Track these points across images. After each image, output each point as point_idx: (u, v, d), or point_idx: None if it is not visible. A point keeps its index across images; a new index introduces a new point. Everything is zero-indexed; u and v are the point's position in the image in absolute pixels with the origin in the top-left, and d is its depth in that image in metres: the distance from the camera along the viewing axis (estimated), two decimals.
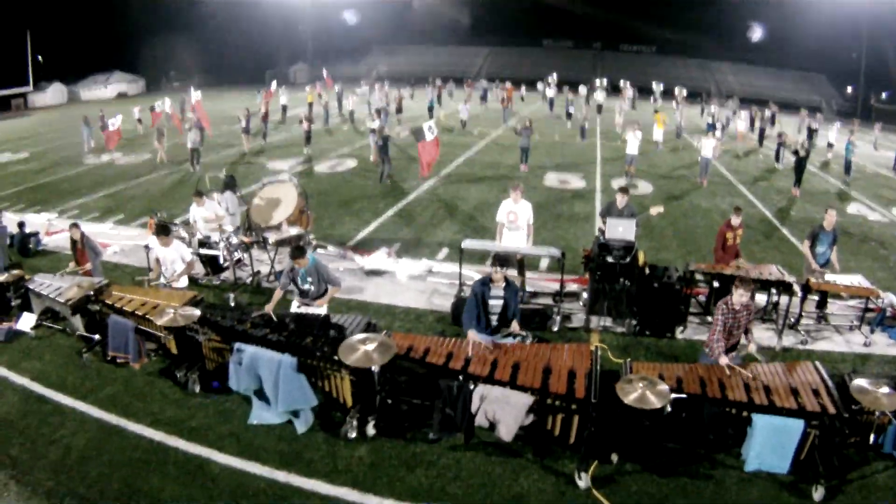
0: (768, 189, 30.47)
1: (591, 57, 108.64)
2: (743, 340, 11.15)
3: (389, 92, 57.87)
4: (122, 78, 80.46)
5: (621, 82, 66.34)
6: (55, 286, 13.10)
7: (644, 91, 70.00)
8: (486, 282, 11.28)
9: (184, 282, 13.99)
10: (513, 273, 15.18)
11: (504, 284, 11.23)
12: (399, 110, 49.85)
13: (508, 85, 59.07)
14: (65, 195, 26.23)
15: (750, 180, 32.19)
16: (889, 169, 39.41)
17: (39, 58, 68.20)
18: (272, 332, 10.75)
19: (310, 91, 52.66)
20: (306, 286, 12.13)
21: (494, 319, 11.36)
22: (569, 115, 46.81)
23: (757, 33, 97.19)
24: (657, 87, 63.34)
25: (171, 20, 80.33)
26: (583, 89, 69.16)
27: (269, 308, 11.81)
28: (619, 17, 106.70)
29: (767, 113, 48.97)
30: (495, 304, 11.27)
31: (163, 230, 13.82)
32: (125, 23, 75.71)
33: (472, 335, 10.72)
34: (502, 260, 11.23)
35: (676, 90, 60.84)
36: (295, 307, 12.30)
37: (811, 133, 45.15)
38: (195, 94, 40.54)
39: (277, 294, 12.29)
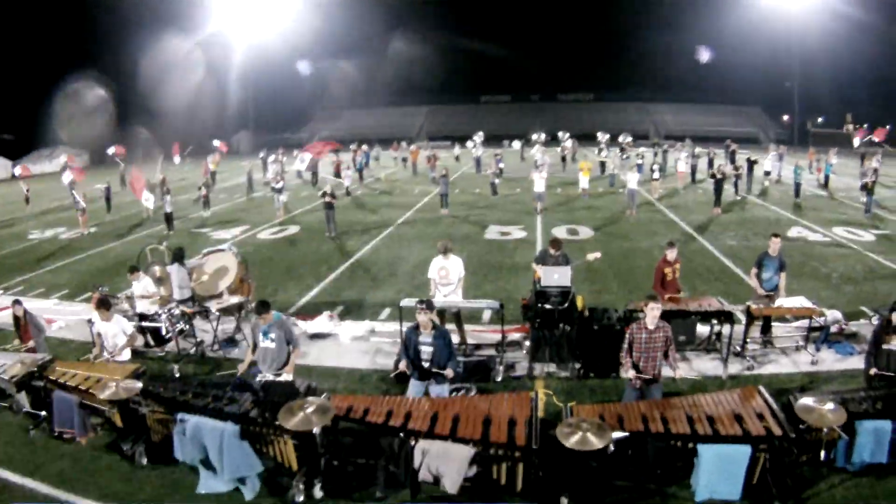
0: (709, 223, 30.97)
1: (530, 109, 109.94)
2: (667, 371, 11.39)
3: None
4: (67, 151, 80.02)
5: (559, 133, 66.79)
6: None
7: (585, 138, 70.84)
8: (415, 328, 11.39)
9: (126, 355, 13.88)
10: (452, 328, 15.33)
11: (433, 330, 11.29)
12: (337, 175, 50.06)
13: (413, 147, 62.81)
14: (9, 271, 26.01)
15: (690, 217, 32.74)
16: (816, 188, 41.00)
17: None
18: (214, 400, 10.73)
19: (210, 159, 53.68)
20: (268, 343, 11.96)
21: (426, 366, 11.39)
22: (500, 172, 46.82)
23: (704, 56, 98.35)
24: (602, 136, 63.69)
25: (115, 94, 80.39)
26: (516, 144, 70.02)
27: (241, 368, 12.06)
28: (555, 69, 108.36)
29: (702, 150, 51.53)
30: (425, 350, 11.31)
31: (103, 304, 13.77)
32: (70, 98, 75.52)
33: (403, 365, 11.22)
34: (426, 302, 11.37)
35: (621, 137, 61.60)
36: (260, 377, 12.09)
37: (733, 157, 48.07)
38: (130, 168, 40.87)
39: (249, 355, 12.35)
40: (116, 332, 13.77)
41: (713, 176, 34.86)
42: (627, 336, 11.28)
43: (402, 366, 11.26)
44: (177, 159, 57.84)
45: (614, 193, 41.49)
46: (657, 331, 10.97)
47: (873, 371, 11.48)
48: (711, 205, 34.18)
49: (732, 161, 45.54)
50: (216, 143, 61.15)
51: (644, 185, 39.04)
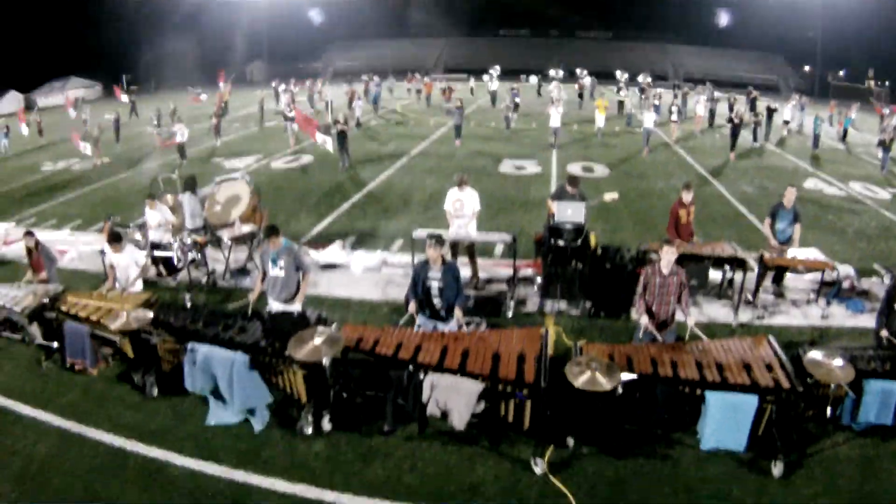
0: (724, 168, 30.79)
1: (548, 45, 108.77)
2: (680, 316, 11.27)
3: (323, 89, 57.55)
4: (79, 83, 79.75)
5: (577, 70, 66.07)
6: (11, 295, 12.95)
7: (603, 76, 70.00)
8: (425, 263, 11.31)
9: (139, 286, 13.89)
10: (465, 260, 15.31)
11: (442, 265, 11.20)
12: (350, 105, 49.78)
13: (427, 80, 61.61)
14: (21, 203, 26.04)
15: (706, 160, 32.57)
16: (835, 140, 40.52)
17: None
18: (224, 329, 10.72)
19: (223, 88, 52.99)
20: (276, 271, 11.84)
21: (437, 303, 11.32)
22: (516, 106, 46.35)
23: (723, 19, 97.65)
24: (621, 75, 62.94)
25: (124, 23, 79.80)
26: (533, 79, 69.33)
27: (251, 297, 11.89)
28: (575, 5, 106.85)
29: (717, 93, 50.64)
30: (434, 285, 11.21)
31: (114, 238, 13.71)
32: (80, 28, 75.02)
33: (412, 308, 11.04)
34: (436, 237, 11.21)
35: (640, 77, 60.93)
36: (270, 306, 12.15)
37: (753, 104, 46.81)
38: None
39: (259, 285, 12.23)
40: (129, 263, 13.75)
41: (730, 121, 34.60)
42: (642, 279, 11.19)
43: (411, 308, 11.16)
44: (222, 86, 57.57)
45: (631, 133, 41.18)
46: (672, 275, 10.88)
47: (884, 333, 11.37)
48: (728, 149, 33.96)
49: (753, 108, 44.97)
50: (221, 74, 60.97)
51: (661, 126, 38.80)
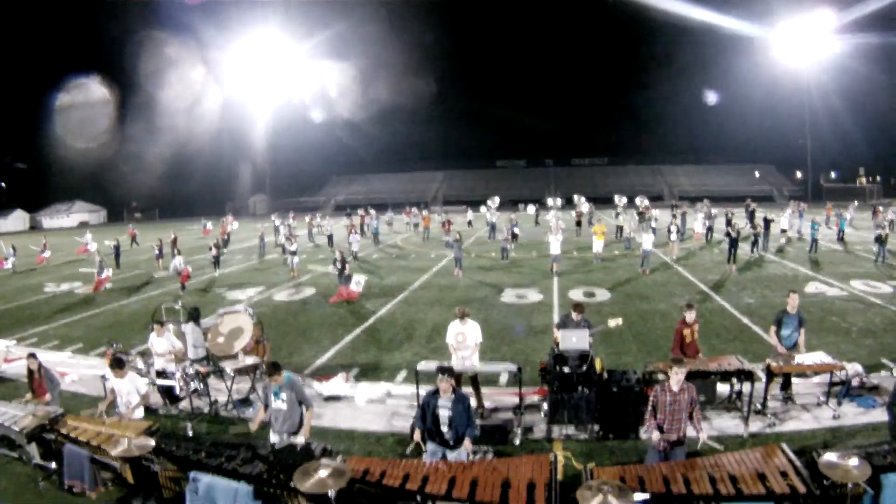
0: (725, 282, 30.92)
1: (544, 174, 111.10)
2: (691, 432, 11.17)
3: (323, 223, 58.21)
4: (84, 207, 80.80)
5: (574, 197, 66.78)
6: (10, 414, 12.88)
7: (600, 201, 70.85)
8: (434, 392, 11.28)
9: (140, 413, 13.79)
10: (469, 391, 15.23)
11: (452, 395, 11.16)
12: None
13: (425, 213, 62.20)
14: (24, 323, 26.12)
15: (706, 276, 32.64)
16: (834, 242, 41.36)
17: (2, 184, 68.44)
18: (227, 460, 10.58)
19: (224, 222, 54.98)
20: (279, 404, 11.86)
21: (446, 431, 11.24)
22: (514, 237, 46.89)
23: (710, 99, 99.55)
24: (619, 199, 63.68)
25: (133, 152, 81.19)
26: (531, 208, 70.09)
27: (253, 426, 12.00)
28: (570, 133, 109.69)
29: (714, 210, 51.70)
30: (444, 414, 11.17)
31: (117, 363, 13.71)
32: (88, 154, 76.26)
33: (417, 436, 11.03)
34: (444, 370, 11.20)
35: (637, 200, 61.50)
36: (273, 439, 12.09)
37: (752, 216, 47.48)
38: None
39: (261, 413, 12.23)
40: (130, 389, 13.73)
41: (728, 234, 35.08)
42: (651, 398, 11.16)
43: (416, 437, 11.10)
44: (224, 219, 58.37)
45: (628, 257, 41.44)
46: (682, 392, 10.86)
47: None
48: (723, 263, 34.24)
49: (752, 220, 45.46)
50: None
51: (660, 247, 39.06)
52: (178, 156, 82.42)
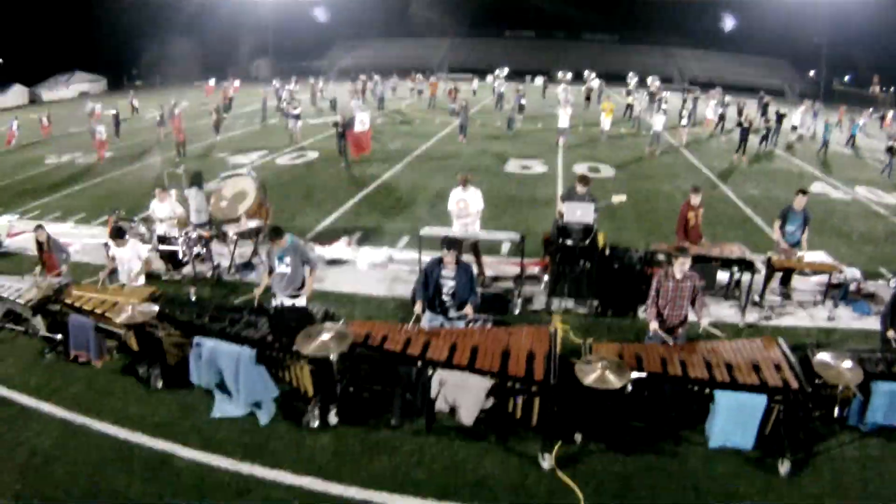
0: (731, 172, 30.79)
1: (553, 47, 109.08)
2: (692, 317, 11.24)
3: (325, 87, 57.57)
4: (83, 77, 79.82)
5: (585, 73, 65.69)
6: (15, 288, 12.93)
7: (610, 78, 69.65)
8: (438, 262, 11.31)
9: (142, 280, 13.85)
10: (470, 258, 15.30)
11: (455, 266, 11.21)
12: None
13: (433, 79, 61.32)
14: (25, 196, 25.98)
15: (713, 163, 32.55)
16: (843, 146, 40.68)
17: None
18: (230, 324, 10.71)
19: (227, 86, 54.40)
20: (283, 268, 11.97)
21: (448, 301, 11.35)
22: (521, 108, 45.97)
23: (728, 23, 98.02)
24: (631, 77, 62.72)
25: (130, 18, 79.87)
26: (539, 80, 69.21)
27: (257, 292, 12.01)
28: (581, 7, 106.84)
29: (727, 98, 50.46)
30: (448, 283, 11.25)
31: (117, 233, 13.67)
32: (86, 22, 75.10)
33: (418, 307, 11.04)
34: (451, 243, 11.22)
35: (649, 80, 60.63)
36: (274, 302, 12.20)
37: (765, 108, 46.62)
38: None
39: (265, 279, 12.30)
40: (131, 257, 13.74)
41: (740, 124, 34.76)
42: (654, 284, 11.16)
43: (418, 308, 11.14)
44: (226, 83, 57.68)
45: (637, 136, 41.14)
46: (685, 280, 10.87)
47: (891, 334, 11.39)
48: (731, 152, 34.04)
49: (764, 113, 44.64)
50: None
51: (670, 130, 38.75)
52: (176, 21, 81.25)
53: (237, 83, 58.37)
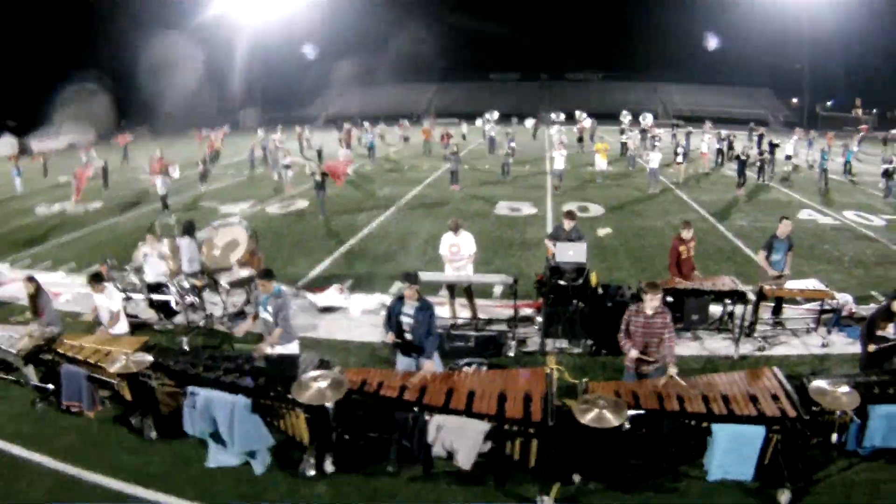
0: (721, 204, 30.95)
1: (538, 88, 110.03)
2: (662, 357, 11.07)
3: (311, 136, 57.47)
4: (73, 128, 79.94)
5: (577, 113, 65.77)
6: (6, 336, 12.84)
7: (596, 117, 69.77)
8: (400, 298, 11.32)
9: (123, 327, 13.80)
10: (464, 301, 15.42)
11: (417, 303, 11.15)
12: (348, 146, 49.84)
13: (426, 125, 61.65)
14: (17, 245, 25.94)
15: (701, 197, 32.79)
16: (839, 174, 40.64)
17: None
18: (225, 373, 10.65)
19: (213, 137, 53.90)
20: (265, 314, 11.88)
21: (408, 338, 11.30)
22: (511, 151, 46.16)
23: (710, 55, 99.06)
24: (625, 116, 62.83)
25: (120, 69, 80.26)
26: (529, 122, 69.49)
27: (239, 333, 12.50)
28: (564, 47, 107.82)
29: (723, 133, 50.10)
30: (406, 321, 11.20)
31: (93, 278, 13.65)
32: (75, 74, 75.39)
33: (389, 337, 11.12)
34: (410, 277, 11.18)
35: (641, 118, 60.74)
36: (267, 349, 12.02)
37: (760, 139, 47.30)
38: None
39: (249, 322, 12.41)
40: (108, 304, 13.70)
41: (737, 157, 35.18)
42: (625, 319, 11.18)
43: (388, 337, 11.20)
44: (213, 133, 57.58)
45: (631, 176, 41.39)
46: (656, 316, 10.78)
47: (872, 347, 11.51)
48: (725, 186, 34.52)
49: (760, 145, 45.22)
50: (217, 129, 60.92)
51: (665, 168, 38.93)
52: (167, 69, 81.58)
53: (222, 132, 58.16)
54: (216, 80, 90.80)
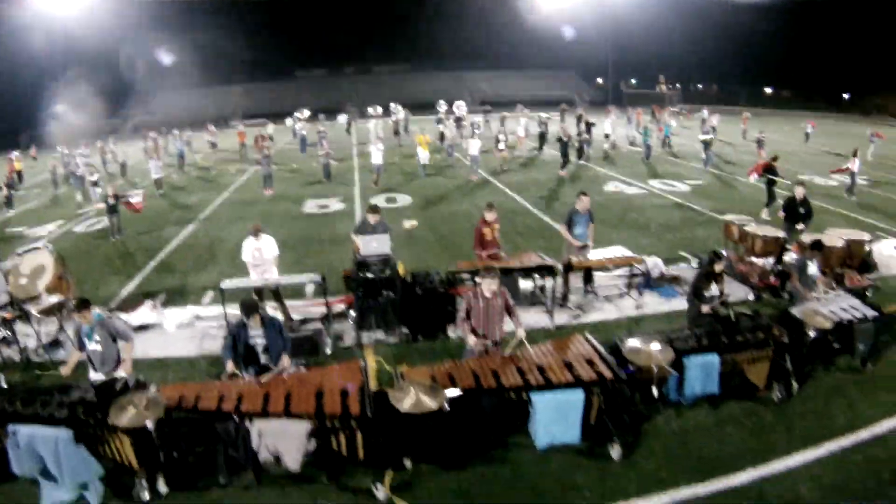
0: (536, 184, 32.18)
1: (346, 82, 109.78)
2: (509, 327, 11.56)
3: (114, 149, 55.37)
4: None
5: (391, 105, 65.81)
6: None
7: (409, 108, 70.15)
8: (242, 324, 11.25)
9: None
10: (274, 305, 15.67)
11: (261, 324, 11.24)
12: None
13: (240, 128, 61.44)
14: None
15: (508, 178, 33.94)
16: (658, 148, 43.08)
17: None
18: (42, 407, 10.43)
19: (14, 157, 49.86)
20: (94, 345, 11.53)
21: (264, 359, 11.35)
22: (328, 153, 45.99)
23: (513, 42, 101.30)
24: (441, 105, 63.06)
25: None
26: (342, 118, 69.42)
27: (65, 371, 11.59)
28: (367, 40, 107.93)
29: (543, 115, 50.89)
30: (259, 342, 11.26)
31: None
32: None
33: (230, 367, 10.91)
34: (248, 308, 11.13)
35: (454, 107, 61.23)
36: (92, 376, 11.80)
37: (578, 120, 49.18)
38: None
39: (74, 355, 11.79)
40: None
41: (559, 140, 36.22)
42: (464, 303, 11.55)
43: (230, 368, 11.01)
44: (13, 155, 54.64)
45: (454, 166, 42.04)
46: (494, 298, 11.19)
47: (705, 308, 12.34)
48: (545, 167, 35.41)
49: (582, 126, 45.91)
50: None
51: (485, 154, 39.58)
52: None
53: (21, 155, 55.49)
54: (12, 97, 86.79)
